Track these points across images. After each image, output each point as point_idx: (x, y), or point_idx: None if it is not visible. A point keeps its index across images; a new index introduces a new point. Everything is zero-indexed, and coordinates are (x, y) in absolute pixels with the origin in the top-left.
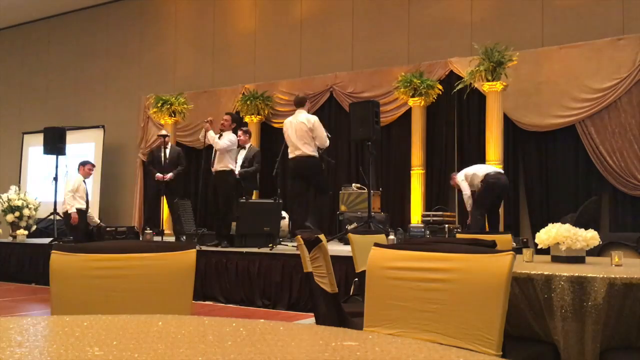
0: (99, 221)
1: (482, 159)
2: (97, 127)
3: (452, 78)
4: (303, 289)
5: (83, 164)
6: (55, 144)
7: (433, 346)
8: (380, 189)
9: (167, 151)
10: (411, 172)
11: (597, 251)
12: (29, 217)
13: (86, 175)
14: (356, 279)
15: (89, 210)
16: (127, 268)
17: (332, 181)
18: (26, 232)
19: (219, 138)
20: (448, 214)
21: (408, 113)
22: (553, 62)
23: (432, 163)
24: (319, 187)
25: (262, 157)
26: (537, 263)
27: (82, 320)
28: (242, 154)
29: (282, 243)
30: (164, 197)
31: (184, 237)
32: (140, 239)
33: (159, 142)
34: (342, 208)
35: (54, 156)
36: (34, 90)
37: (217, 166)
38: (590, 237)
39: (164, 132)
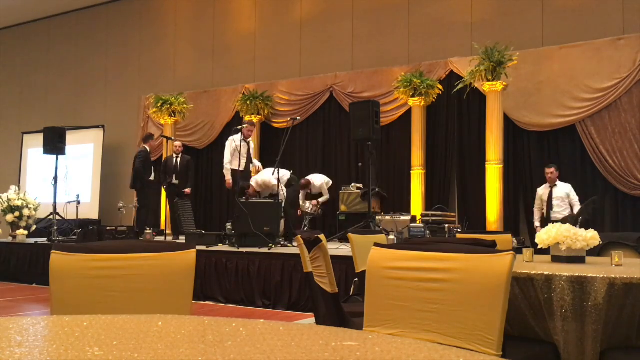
0: None
1: (482, 159)
2: (97, 127)
3: (452, 78)
4: (303, 289)
5: None
6: (55, 144)
7: (433, 346)
8: (378, 189)
9: (179, 160)
10: (411, 172)
11: (597, 251)
12: (29, 217)
13: None
14: (356, 279)
15: None
16: (127, 268)
17: (332, 181)
18: (26, 232)
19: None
20: (448, 214)
21: (408, 113)
22: (553, 62)
23: (432, 163)
24: None
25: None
26: (537, 263)
27: (82, 320)
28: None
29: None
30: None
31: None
32: (140, 239)
33: (174, 150)
34: (342, 208)
35: (54, 156)
36: (34, 90)
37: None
38: (590, 237)
39: (178, 142)
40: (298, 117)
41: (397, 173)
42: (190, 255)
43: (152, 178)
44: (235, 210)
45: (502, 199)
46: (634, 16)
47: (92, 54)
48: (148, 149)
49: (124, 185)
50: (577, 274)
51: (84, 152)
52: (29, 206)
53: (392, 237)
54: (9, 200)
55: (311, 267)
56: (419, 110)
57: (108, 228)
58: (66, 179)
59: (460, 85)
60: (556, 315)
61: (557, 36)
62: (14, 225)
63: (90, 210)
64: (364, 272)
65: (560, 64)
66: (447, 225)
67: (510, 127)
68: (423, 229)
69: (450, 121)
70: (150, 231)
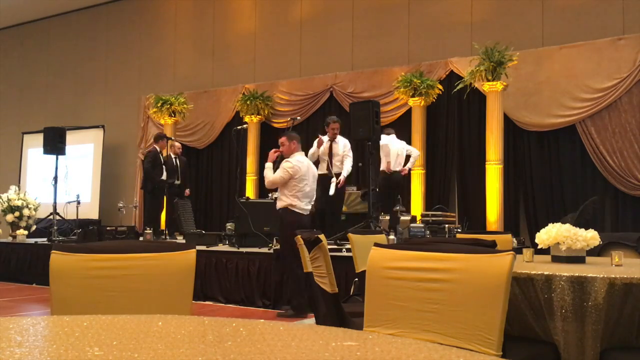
0: None
1: (482, 159)
2: (97, 127)
3: (452, 78)
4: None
5: None
6: (55, 144)
7: (433, 346)
8: (377, 189)
9: (178, 161)
10: (411, 172)
11: (597, 251)
12: (29, 217)
13: None
14: (356, 279)
15: None
16: (127, 268)
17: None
18: (26, 232)
19: None
20: (448, 214)
21: (408, 113)
22: (553, 62)
23: (432, 163)
24: None
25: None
26: (537, 263)
27: (82, 320)
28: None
29: None
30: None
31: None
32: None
33: (174, 151)
34: (343, 208)
35: (54, 156)
36: (34, 90)
37: None
38: (590, 237)
39: (178, 143)
40: (298, 117)
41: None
42: (190, 255)
43: (163, 177)
44: (235, 210)
45: (502, 199)
46: (634, 16)
47: (92, 54)
48: (158, 149)
49: (124, 185)
50: (577, 274)
51: (84, 152)
52: (29, 206)
53: (392, 237)
54: (9, 200)
55: (311, 267)
56: (419, 110)
57: (108, 228)
58: (66, 179)
59: (460, 85)
60: (556, 315)
61: (557, 36)
62: (14, 225)
63: (90, 210)
64: (364, 272)
65: (560, 64)
66: (447, 225)
67: (510, 127)
68: (423, 229)
69: (450, 121)
70: (150, 231)
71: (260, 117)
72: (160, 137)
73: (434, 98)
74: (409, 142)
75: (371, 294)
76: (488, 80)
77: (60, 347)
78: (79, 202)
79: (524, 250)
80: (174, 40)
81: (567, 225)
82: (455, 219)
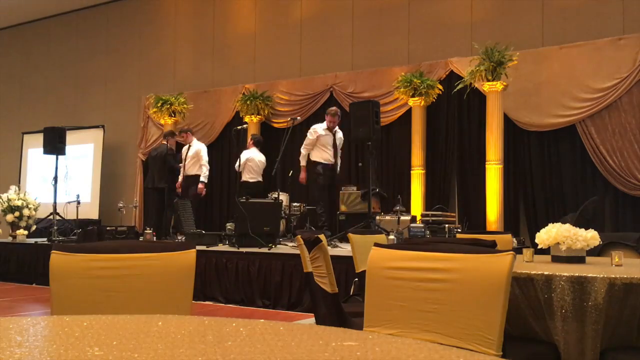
0: None
1: (482, 159)
2: (97, 127)
3: (452, 78)
4: (303, 289)
5: None
6: (55, 144)
7: (433, 346)
8: (378, 189)
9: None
10: (411, 172)
11: (597, 251)
12: (28, 217)
13: None
14: (356, 279)
15: None
16: (127, 268)
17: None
18: (26, 232)
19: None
20: (448, 214)
21: (408, 113)
22: (553, 62)
23: (432, 163)
24: None
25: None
26: (537, 263)
27: (82, 320)
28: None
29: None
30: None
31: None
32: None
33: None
34: (342, 208)
35: (54, 156)
36: (34, 90)
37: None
38: (590, 237)
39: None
40: (298, 117)
41: (397, 173)
42: (190, 255)
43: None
44: (235, 211)
45: (502, 199)
46: (634, 16)
47: (92, 54)
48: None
49: (124, 185)
50: (577, 274)
51: (84, 152)
52: (29, 206)
53: (392, 237)
54: (9, 200)
55: (311, 267)
56: (419, 110)
57: (108, 228)
58: (66, 179)
59: (460, 85)
60: (556, 315)
61: (557, 36)
62: (14, 225)
63: (90, 210)
64: (364, 272)
65: (560, 64)
66: (447, 225)
67: (510, 127)
68: (423, 229)
69: (450, 121)
70: (150, 231)
71: (260, 117)
72: (171, 134)
73: (434, 98)
74: (409, 142)
75: (371, 294)
76: (488, 80)
77: (60, 347)
78: (79, 202)
79: (524, 250)
80: (174, 40)
81: (567, 225)
82: (455, 219)
